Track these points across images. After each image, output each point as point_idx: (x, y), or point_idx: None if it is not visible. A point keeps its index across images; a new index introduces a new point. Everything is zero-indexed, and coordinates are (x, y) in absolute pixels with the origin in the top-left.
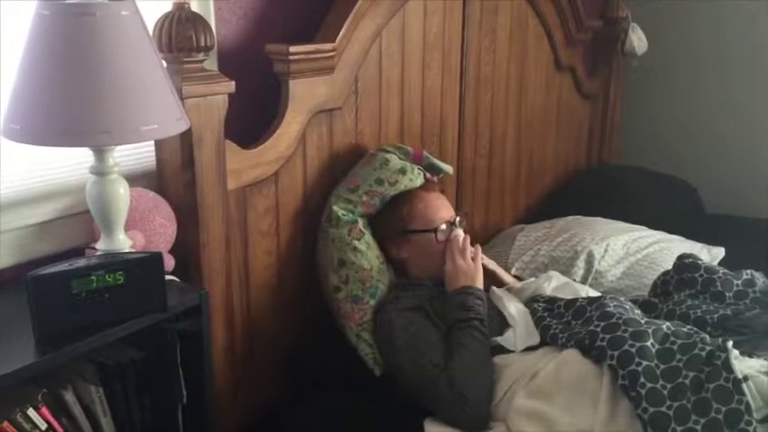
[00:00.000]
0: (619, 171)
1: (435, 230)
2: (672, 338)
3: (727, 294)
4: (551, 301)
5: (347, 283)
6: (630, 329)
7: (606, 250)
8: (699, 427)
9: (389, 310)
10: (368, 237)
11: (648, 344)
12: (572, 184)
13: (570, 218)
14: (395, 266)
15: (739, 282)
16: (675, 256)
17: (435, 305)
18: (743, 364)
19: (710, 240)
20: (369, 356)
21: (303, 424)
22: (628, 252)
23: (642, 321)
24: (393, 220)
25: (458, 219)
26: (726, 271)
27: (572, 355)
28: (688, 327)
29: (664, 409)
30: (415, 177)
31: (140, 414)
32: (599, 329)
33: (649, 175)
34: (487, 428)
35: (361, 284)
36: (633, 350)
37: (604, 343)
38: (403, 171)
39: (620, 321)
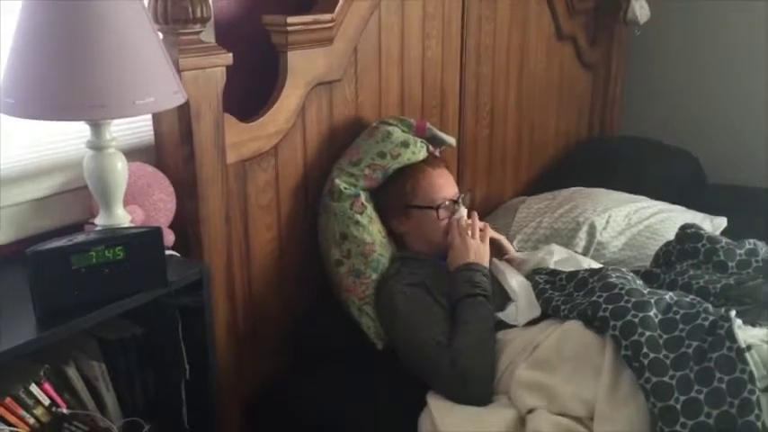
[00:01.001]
0: (620, 142)
1: (437, 208)
2: (674, 308)
3: (729, 264)
4: (553, 273)
5: (349, 257)
6: (633, 300)
7: (608, 221)
8: (702, 397)
9: (392, 284)
10: (370, 210)
11: (651, 314)
12: (573, 155)
13: (572, 189)
14: (396, 240)
15: (742, 251)
16: (677, 227)
17: (437, 281)
18: (746, 334)
19: (713, 210)
20: (371, 330)
21: (305, 397)
22: (630, 223)
23: (645, 292)
24: (396, 194)
25: (461, 196)
26: (728, 241)
27: (574, 326)
28: (691, 297)
29: (666, 378)
30: (418, 150)
31: (143, 389)
32: (601, 300)
33: (651, 146)
34: (489, 402)
35: (363, 258)
36: (636, 320)
37: (607, 314)
38: (405, 144)
39: (623, 292)
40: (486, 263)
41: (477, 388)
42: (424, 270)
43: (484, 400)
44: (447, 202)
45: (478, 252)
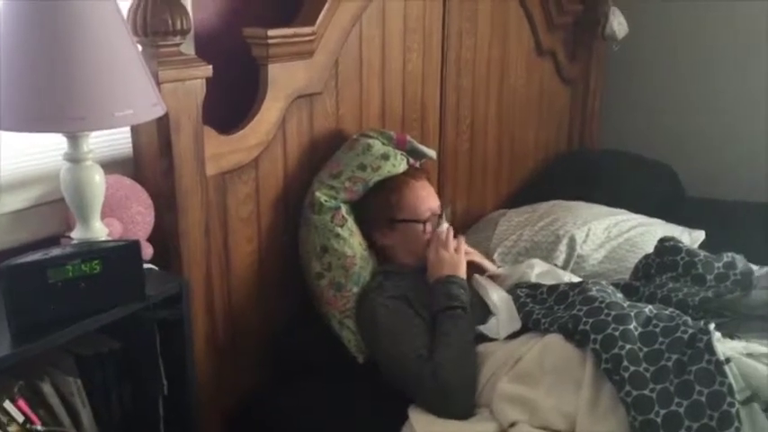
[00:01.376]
0: (599, 155)
1: (424, 222)
2: (654, 321)
3: (708, 277)
4: (534, 287)
5: (330, 270)
6: (613, 313)
7: (588, 234)
8: (682, 410)
9: (373, 298)
10: (350, 223)
11: (631, 327)
12: (553, 169)
13: (552, 202)
14: (377, 252)
15: (720, 264)
16: (656, 240)
17: (419, 294)
18: (725, 346)
19: (691, 223)
20: (352, 344)
21: (286, 411)
22: (609, 236)
23: (625, 305)
24: (380, 207)
25: (444, 211)
26: (707, 254)
27: (555, 339)
28: (670, 309)
29: (647, 392)
30: (398, 163)
31: (120, 405)
32: (582, 313)
33: (630, 159)
34: (470, 415)
35: (344, 271)
36: (616, 333)
37: (587, 327)
38: (386, 156)
39: (603, 305)
40: (462, 274)
41: (458, 400)
42: (405, 283)
43: (465, 412)
44: (432, 216)
45: (452, 264)
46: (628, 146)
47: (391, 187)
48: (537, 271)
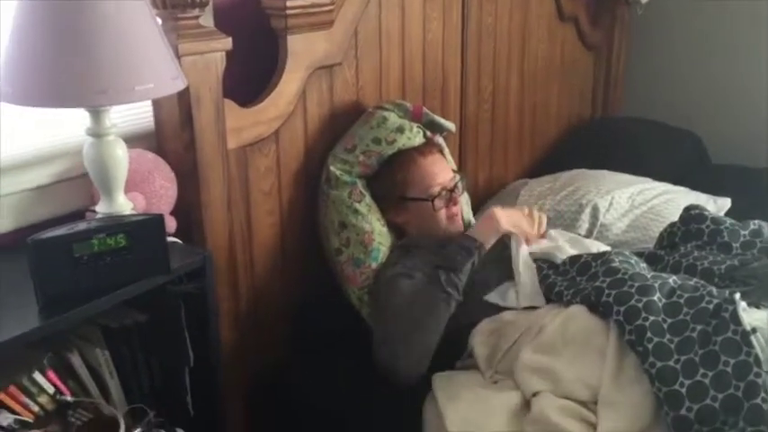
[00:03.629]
0: (623, 123)
1: (432, 199)
2: (678, 292)
3: (734, 245)
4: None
5: (348, 246)
6: (636, 284)
7: (611, 203)
8: (707, 381)
9: (391, 271)
10: (368, 199)
11: (655, 298)
12: (576, 137)
13: (574, 171)
14: (394, 230)
15: (746, 232)
16: (681, 208)
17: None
18: (751, 317)
19: (716, 191)
20: (371, 318)
21: (308, 384)
22: (633, 204)
23: (648, 276)
24: (389, 186)
25: (457, 182)
26: (732, 221)
27: (578, 310)
28: (695, 280)
29: (671, 363)
30: (414, 136)
31: (148, 376)
32: (605, 285)
33: (654, 127)
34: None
35: (362, 247)
36: (640, 305)
37: (610, 299)
38: (401, 129)
39: (626, 276)
40: (515, 236)
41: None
42: (424, 260)
43: (411, 380)
44: (443, 192)
45: (512, 219)
46: (652, 113)
47: (398, 165)
48: (566, 245)
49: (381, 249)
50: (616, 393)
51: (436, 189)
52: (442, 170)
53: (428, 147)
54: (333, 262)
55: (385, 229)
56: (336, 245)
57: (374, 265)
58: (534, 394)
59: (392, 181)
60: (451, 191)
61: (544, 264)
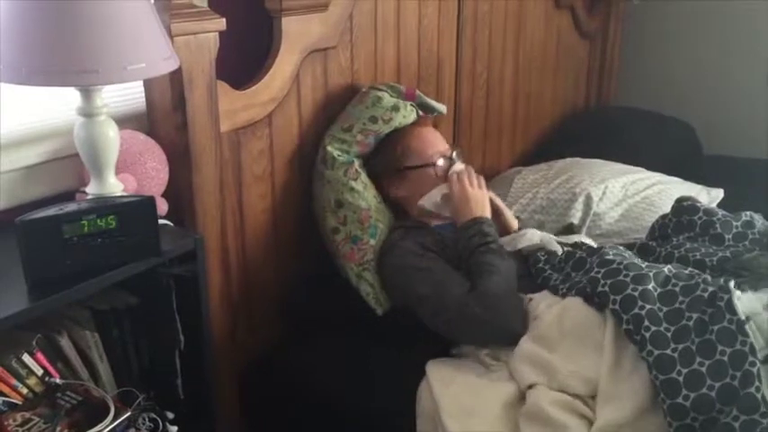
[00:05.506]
0: (617, 112)
1: (434, 164)
2: (673, 281)
3: (726, 236)
4: (552, 254)
5: (345, 224)
6: (632, 274)
7: (604, 192)
8: (704, 369)
9: (400, 245)
10: (364, 177)
11: (650, 287)
12: (570, 126)
13: (568, 160)
14: (393, 208)
15: (738, 223)
16: (674, 198)
17: (442, 246)
18: (744, 304)
19: (709, 182)
20: (370, 296)
21: (300, 367)
22: (626, 194)
23: (643, 265)
24: (388, 159)
25: (454, 152)
26: (725, 213)
27: (574, 302)
28: (689, 269)
29: (669, 351)
30: (408, 114)
31: (137, 359)
32: (600, 275)
33: (648, 116)
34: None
35: (359, 225)
36: (636, 294)
37: (606, 288)
38: (396, 108)
39: (621, 266)
40: (488, 213)
41: (507, 322)
42: (425, 240)
43: (515, 334)
44: (441, 159)
45: (478, 201)
46: (646, 103)
47: (397, 137)
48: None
49: (379, 226)
50: (615, 383)
51: (436, 155)
52: (438, 139)
53: (423, 119)
54: (330, 241)
55: (382, 206)
56: (333, 224)
57: (372, 241)
58: (529, 386)
59: (392, 155)
60: (449, 158)
61: (542, 255)
